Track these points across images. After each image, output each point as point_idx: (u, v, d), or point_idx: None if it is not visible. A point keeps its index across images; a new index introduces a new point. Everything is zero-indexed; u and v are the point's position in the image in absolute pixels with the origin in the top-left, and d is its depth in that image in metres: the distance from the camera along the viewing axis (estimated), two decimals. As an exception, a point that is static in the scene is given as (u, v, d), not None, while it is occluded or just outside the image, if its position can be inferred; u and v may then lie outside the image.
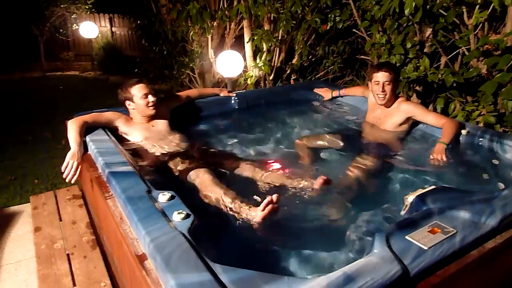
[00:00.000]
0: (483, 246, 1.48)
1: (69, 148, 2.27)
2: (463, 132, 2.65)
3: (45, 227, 2.56)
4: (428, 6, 3.00)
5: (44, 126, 4.86)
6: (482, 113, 2.91)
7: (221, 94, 3.42)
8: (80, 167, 2.22)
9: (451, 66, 3.27)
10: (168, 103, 2.91)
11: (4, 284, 2.20)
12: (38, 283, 2.06)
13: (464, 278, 1.44)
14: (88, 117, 2.50)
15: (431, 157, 2.46)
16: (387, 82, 2.68)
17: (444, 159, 2.42)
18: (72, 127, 2.36)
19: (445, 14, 2.97)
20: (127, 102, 2.59)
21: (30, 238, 2.53)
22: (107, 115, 2.60)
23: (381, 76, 2.69)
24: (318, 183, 2.09)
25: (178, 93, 3.16)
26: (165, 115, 2.76)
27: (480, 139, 2.60)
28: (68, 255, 2.27)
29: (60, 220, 2.64)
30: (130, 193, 1.70)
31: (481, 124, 2.88)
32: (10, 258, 2.42)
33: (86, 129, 2.43)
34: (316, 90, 3.70)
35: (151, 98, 2.55)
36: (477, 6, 2.85)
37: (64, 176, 2.18)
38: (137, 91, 2.55)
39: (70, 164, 2.18)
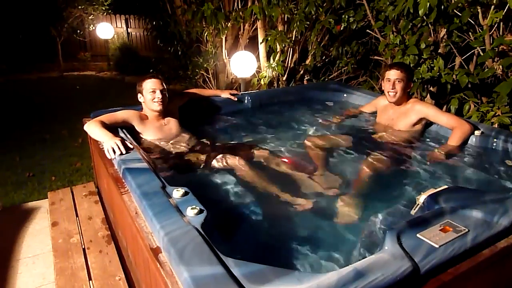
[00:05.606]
0: (495, 246, 1.47)
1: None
2: (477, 133, 2.63)
3: (62, 222, 2.62)
4: (442, 7, 2.98)
5: (62, 125, 4.97)
6: (497, 114, 2.88)
7: (222, 95, 3.42)
8: (122, 145, 2.19)
9: (465, 66, 3.24)
10: (175, 101, 2.95)
11: (23, 277, 2.27)
12: (55, 276, 2.11)
13: (476, 277, 1.44)
14: (104, 117, 2.50)
15: (429, 156, 2.56)
16: (398, 80, 2.71)
17: (439, 159, 2.52)
18: (93, 127, 2.38)
19: (460, 14, 2.95)
20: (139, 95, 2.65)
21: (48, 233, 2.59)
22: (122, 115, 2.59)
23: (392, 74, 2.74)
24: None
25: (182, 92, 3.24)
26: (175, 113, 2.82)
27: (495, 140, 2.58)
28: (84, 249, 2.32)
29: (77, 215, 2.69)
30: (145, 189, 1.74)
31: (495, 125, 2.85)
32: (28, 252, 2.49)
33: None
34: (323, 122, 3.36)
35: (158, 94, 2.58)
36: (492, 7, 2.82)
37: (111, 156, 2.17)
38: (148, 85, 2.59)
39: (111, 148, 2.17)
